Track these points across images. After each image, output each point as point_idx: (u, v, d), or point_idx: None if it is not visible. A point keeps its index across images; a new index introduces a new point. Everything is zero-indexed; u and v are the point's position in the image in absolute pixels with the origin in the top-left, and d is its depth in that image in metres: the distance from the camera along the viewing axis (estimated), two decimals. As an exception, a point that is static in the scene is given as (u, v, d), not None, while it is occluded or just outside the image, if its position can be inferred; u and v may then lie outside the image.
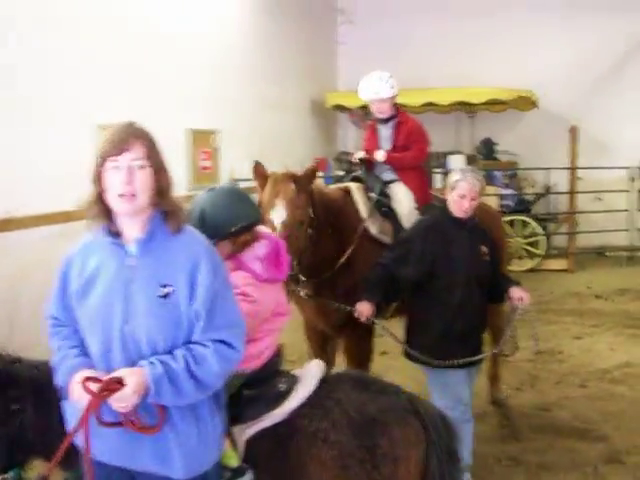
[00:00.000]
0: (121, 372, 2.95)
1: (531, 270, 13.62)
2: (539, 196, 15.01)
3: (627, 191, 14.56)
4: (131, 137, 3.04)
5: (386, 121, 6.87)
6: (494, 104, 15.16)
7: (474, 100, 14.75)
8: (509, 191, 14.58)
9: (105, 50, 8.78)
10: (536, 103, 15.10)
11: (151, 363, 2.97)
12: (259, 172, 5.53)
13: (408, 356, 5.49)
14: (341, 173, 14.16)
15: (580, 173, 14.31)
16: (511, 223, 14.04)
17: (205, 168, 11.21)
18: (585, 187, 14.53)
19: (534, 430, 6.63)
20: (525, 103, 15.17)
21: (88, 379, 2.96)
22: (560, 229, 14.94)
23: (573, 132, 14.04)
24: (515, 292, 5.36)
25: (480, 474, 5.90)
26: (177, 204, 3.13)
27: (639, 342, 9.32)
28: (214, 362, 3.01)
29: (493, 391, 7.38)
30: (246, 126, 12.35)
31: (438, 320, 5.26)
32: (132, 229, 3.09)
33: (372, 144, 6.94)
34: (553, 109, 15.66)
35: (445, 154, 14.60)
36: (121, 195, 2.99)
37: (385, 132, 6.90)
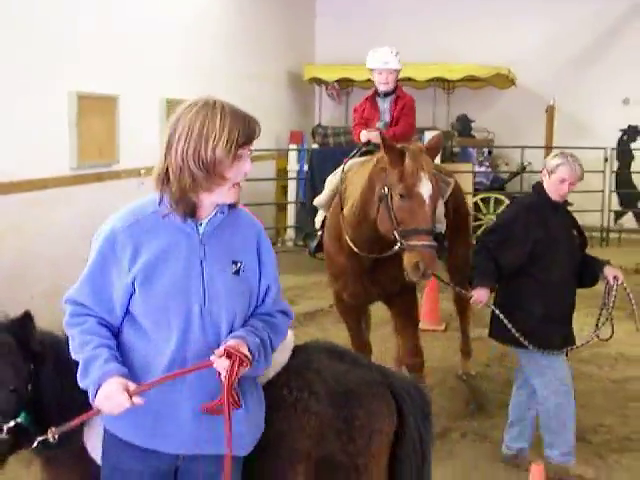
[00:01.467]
0: (231, 343, 2.83)
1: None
2: (514, 174, 15.02)
3: (602, 172, 14.59)
4: (257, 127, 2.92)
5: (386, 95, 6.88)
6: (471, 81, 15.14)
7: (451, 76, 14.74)
8: (483, 169, 14.59)
9: (78, 18, 8.65)
10: (514, 81, 15.09)
11: (248, 333, 2.92)
12: (389, 146, 5.18)
13: (510, 341, 5.45)
14: (315, 146, 14.16)
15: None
16: (485, 201, 14.06)
17: (179, 138, 11.09)
18: (561, 167, 14.49)
19: (502, 406, 6.65)
20: (503, 81, 15.15)
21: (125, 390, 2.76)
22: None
23: (550, 111, 14.07)
24: (609, 271, 5.34)
25: (446, 449, 5.94)
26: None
27: (609, 323, 9.34)
28: (283, 332, 3.15)
29: (463, 367, 7.41)
30: (221, 97, 12.19)
31: (538, 302, 5.26)
32: (207, 210, 2.94)
33: (372, 115, 6.87)
34: (531, 87, 15.67)
35: (421, 130, 14.55)
36: (236, 184, 2.89)
37: (383, 105, 6.89)
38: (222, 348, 2.79)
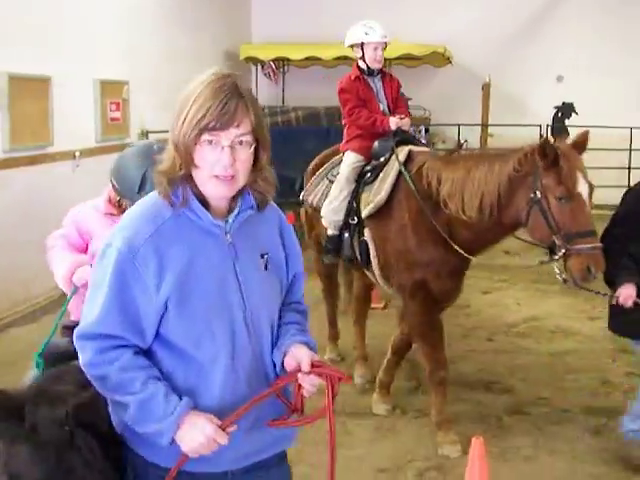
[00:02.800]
0: (305, 355, 2.61)
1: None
2: (451, 152, 15.06)
3: (537, 148, 14.72)
4: (241, 108, 2.46)
5: (373, 73, 6.47)
6: (408, 59, 15.16)
7: (388, 55, 14.65)
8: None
9: (9, -5, 8.47)
10: (450, 59, 15.17)
11: (303, 334, 2.74)
12: (546, 148, 4.87)
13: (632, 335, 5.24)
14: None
15: (493, 130, 14.45)
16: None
17: (114, 119, 10.96)
18: (497, 144, 14.66)
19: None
20: (439, 59, 15.23)
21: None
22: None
23: (485, 89, 14.16)
24: None
25: (385, 426, 5.99)
26: (270, 179, 2.66)
27: (546, 297, 9.51)
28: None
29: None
30: (157, 77, 12.10)
31: None
32: (219, 205, 2.60)
33: (369, 96, 6.43)
34: (466, 66, 15.79)
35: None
36: (217, 176, 2.48)
37: (375, 85, 6.50)
38: (306, 362, 2.59)
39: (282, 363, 2.67)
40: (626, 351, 7.38)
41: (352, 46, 6.51)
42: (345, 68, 15.31)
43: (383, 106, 6.45)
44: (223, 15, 15.30)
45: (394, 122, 6.15)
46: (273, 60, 15.66)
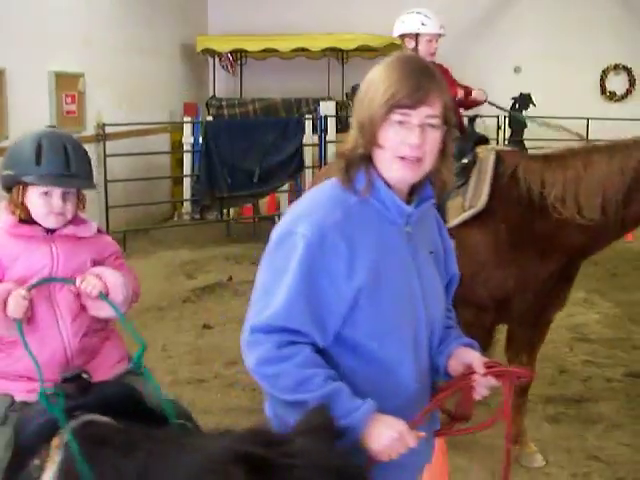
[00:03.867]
0: (476, 357, 2.47)
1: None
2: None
3: (496, 139, 14.79)
4: (434, 88, 2.31)
5: None
6: (366, 51, 15.15)
7: (345, 46, 14.76)
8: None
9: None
10: (407, 50, 15.14)
11: (463, 336, 2.63)
12: None
13: None
14: (210, 118, 14.02)
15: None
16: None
17: (70, 112, 10.83)
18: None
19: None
20: (396, 50, 15.02)
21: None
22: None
23: (443, 80, 14.18)
24: None
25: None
26: (452, 169, 2.53)
27: None
28: None
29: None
30: (114, 70, 11.98)
31: None
32: (400, 192, 2.43)
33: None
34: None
35: (316, 100, 14.55)
36: (402, 158, 2.31)
37: None
38: (479, 364, 2.44)
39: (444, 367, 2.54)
40: (583, 339, 7.47)
41: (403, 36, 5.98)
42: (303, 60, 15.38)
43: None
44: (178, 7, 15.13)
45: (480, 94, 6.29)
46: (230, 52, 15.57)
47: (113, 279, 3.03)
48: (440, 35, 6.01)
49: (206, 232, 12.29)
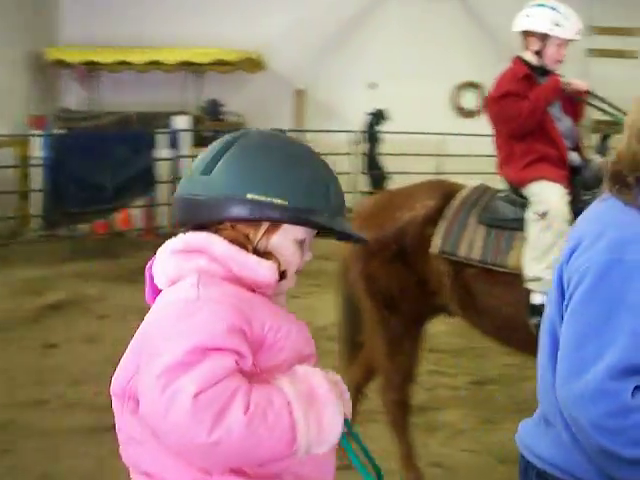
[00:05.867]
0: None
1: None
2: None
3: (350, 154, 14.95)
4: None
5: (546, 74, 4.88)
6: (222, 65, 15.08)
7: (200, 60, 14.67)
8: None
9: None
10: (263, 65, 15.22)
11: None
12: None
13: None
14: (62, 132, 13.62)
15: (306, 136, 14.53)
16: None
17: None
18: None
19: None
20: (252, 65, 15.26)
21: None
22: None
23: (299, 95, 14.24)
24: None
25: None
26: None
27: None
28: None
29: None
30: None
31: None
32: None
33: None
34: (281, 71, 15.82)
35: (170, 114, 14.34)
36: None
37: None
38: None
39: None
40: (431, 350, 7.51)
41: (527, 34, 4.85)
42: (158, 73, 15.14)
43: (564, 126, 4.88)
44: (27, 17, 14.69)
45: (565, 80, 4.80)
46: (82, 64, 15.19)
47: None
48: (573, 40, 4.80)
49: (55, 249, 11.89)
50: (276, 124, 14.67)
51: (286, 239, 1.98)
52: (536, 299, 4.43)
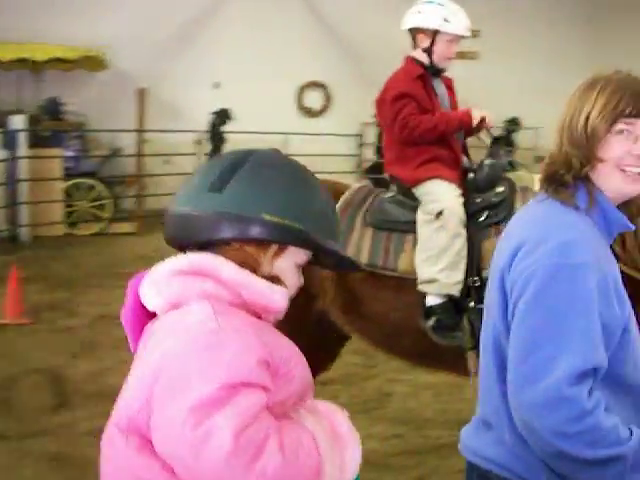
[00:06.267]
0: None
1: (98, 234, 13.53)
2: (106, 158, 14.86)
3: (194, 154, 14.88)
4: None
5: (438, 73, 4.82)
6: (62, 62, 14.71)
7: (38, 57, 14.23)
8: (73, 153, 14.21)
9: None
10: (105, 64, 14.99)
11: None
12: None
13: None
14: None
15: (149, 136, 14.38)
16: (76, 186, 13.77)
17: None
18: (154, 150, 14.73)
19: (88, 397, 6.39)
20: (93, 63, 15.03)
21: None
22: (128, 192, 14.98)
23: (141, 94, 14.04)
24: None
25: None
26: None
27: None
28: None
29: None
30: None
31: None
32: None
33: (431, 105, 4.70)
34: (124, 70, 15.63)
35: (5, 113, 13.83)
36: (623, 170, 2.15)
37: (440, 90, 4.85)
38: None
39: None
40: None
41: (416, 31, 4.71)
42: (24, 72, 14.61)
43: None
44: None
45: (478, 113, 4.63)
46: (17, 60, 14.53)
47: None
48: (463, 37, 4.71)
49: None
50: (118, 124, 14.47)
51: (290, 263, 1.95)
52: (431, 301, 4.36)
